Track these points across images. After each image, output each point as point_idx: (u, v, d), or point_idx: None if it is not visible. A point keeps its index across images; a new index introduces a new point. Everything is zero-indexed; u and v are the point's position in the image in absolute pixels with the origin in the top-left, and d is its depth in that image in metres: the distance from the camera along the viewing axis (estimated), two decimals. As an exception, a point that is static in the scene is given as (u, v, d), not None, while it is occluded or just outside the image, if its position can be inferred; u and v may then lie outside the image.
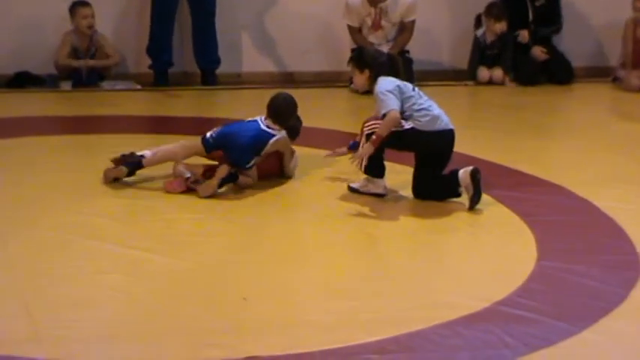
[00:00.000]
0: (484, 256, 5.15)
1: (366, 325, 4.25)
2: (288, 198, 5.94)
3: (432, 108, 5.77)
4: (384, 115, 5.65)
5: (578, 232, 5.42)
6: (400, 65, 5.97)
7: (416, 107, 5.71)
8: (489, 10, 9.36)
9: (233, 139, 5.95)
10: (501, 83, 9.33)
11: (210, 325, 4.22)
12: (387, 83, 5.74)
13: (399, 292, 4.62)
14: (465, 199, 5.75)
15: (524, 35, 9.39)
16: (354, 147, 6.00)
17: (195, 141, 6.07)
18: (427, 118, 5.71)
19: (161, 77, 9.06)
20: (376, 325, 4.24)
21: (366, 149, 5.70)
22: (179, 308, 4.38)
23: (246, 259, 4.97)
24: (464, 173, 5.73)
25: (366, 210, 5.72)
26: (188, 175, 5.88)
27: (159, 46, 9.00)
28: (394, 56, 6.08)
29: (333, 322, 4.26)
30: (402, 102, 5.68)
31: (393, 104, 5.64)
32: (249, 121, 6.11)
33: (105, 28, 8.90)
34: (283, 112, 6.10)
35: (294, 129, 6.21)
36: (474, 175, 5.70)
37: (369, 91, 5.91)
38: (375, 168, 5.84)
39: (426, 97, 5.81)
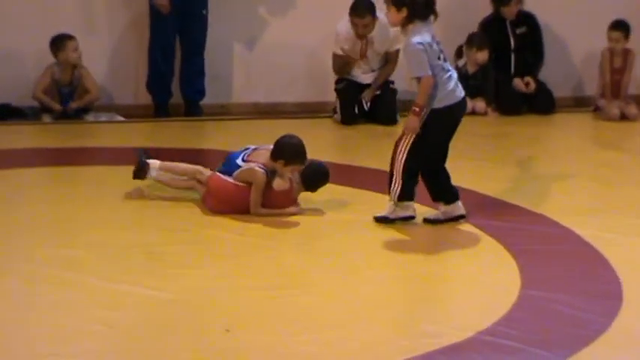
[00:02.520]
0: (467, 285, 5.15)
1: (350, 355, 4.25)
2: (268, 229, 5.91)
3: (446, 82, 5.69)
4: (417, 79, 5.64)
5: (561, 261, 5.44)
6: (435, 4, 5.79)
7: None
8: (470, 40, 9.36)
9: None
10: (484, 113, 9.36)
11: (193, 357, 4.21)
12: (423, 36, 5.64)
13: (382, 322, 4.62)
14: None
15: (521, 85, 9.42)
16: None
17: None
18: (442, 94, 5.67)
19: (162, 109, 9.07)
20: (359, 355, 4.25)
21: (412, 122, 5.64)
22: (162, 340, 4.37)
23: (231, 289, 4.97)
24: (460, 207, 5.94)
25: (348, 240, 5.73)
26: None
27: (162, 80, 9.01)
28: None
29: (316, 352, 4.26)
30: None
31: (426, 68, 5.60)
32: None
33: (90, 61, 8.90)
34: (280, 149, 6.04)
35: (307, 178, 6.12)
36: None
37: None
38: (408, 193, 5.83)
39: (447, 67, 5.75)
